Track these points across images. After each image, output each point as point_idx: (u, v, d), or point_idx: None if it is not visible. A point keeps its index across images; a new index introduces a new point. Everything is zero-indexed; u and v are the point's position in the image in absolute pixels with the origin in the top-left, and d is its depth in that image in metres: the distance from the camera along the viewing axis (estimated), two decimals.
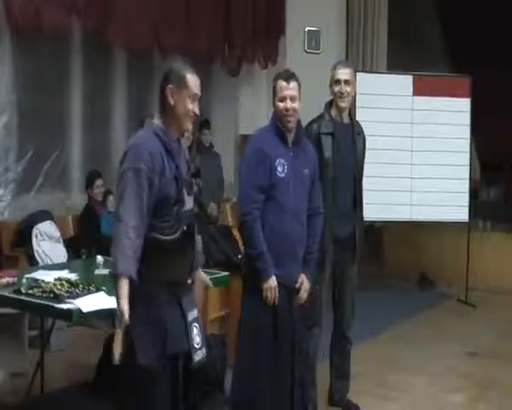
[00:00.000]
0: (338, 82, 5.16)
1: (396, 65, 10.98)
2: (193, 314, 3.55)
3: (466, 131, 9.09)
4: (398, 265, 10.28)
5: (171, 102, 3.50)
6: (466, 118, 9.08)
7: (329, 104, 5.28)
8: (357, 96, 7.67)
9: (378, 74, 9.80)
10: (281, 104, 4.40)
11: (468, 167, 9.11)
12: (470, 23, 13.22)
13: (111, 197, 7.89)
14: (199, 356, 3.56)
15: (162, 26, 8.44)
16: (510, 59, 13.10)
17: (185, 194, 3.54)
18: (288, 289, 4.41)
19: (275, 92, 4.46)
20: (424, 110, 8.96)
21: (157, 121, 3.54)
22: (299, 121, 4.49)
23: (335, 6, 10.41)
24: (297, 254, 4.45)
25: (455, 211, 9.05)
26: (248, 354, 4.39)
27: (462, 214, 9.07)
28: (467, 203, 9.09)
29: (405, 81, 9.01)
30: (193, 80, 3.55)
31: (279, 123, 4.43)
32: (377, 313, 8.22)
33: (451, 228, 9.77)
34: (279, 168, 4.34)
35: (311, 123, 5.24)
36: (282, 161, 4.36)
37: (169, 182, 3.44)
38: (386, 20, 10.97)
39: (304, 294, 4.53)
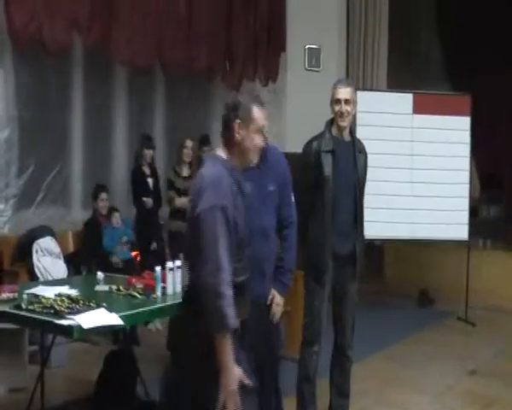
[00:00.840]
0: (338, 101, 5.16)
1: (396, 82, 11.03)
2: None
3: (466, 150, 9.10)
4: (398, 283, 10.29)
5: (239, 137, 3.44)
6: (466, 136, 9.09)
7: (330, 122, 5.28)
8: (357, 114, 7.68)
9: (378, 92, 9.83)
10: None
11: (467, 185, 9.12)
12: (470, 41, 13.30)
13: (117, 214, 7.94)
14: None
15: (163, 42, 8.47)
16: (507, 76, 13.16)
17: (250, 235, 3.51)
18: (258, 307, 4.39)
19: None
20: (424, 128, 8.97)
21: (221, 153, 3.48)
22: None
23: (336, 24, 10.46)
24: (265, 272, 4.46)
25: (455, 229, 9.05)
26: None
27: (462, 232, 9.07)
28: (466, 221, 9.08)
29: (405, 99, 9.03)
30: (259, 113, 3.50)
31: None
32: (377, 330, 8.22)
33: (451, 246, 9.78)
34: None
35: (311, 141, 5.26)
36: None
37: (242, 222, 3.39)
38: (386, 39, 11.02)
39: (276, 308, 4.59)
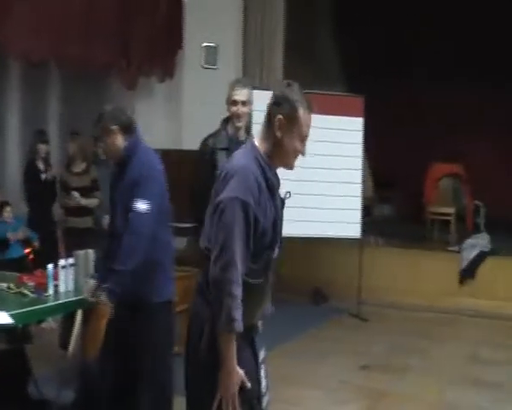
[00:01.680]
0: (235, 103, 5.22)
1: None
2: (261, 355, 3.46)
3: (359, 150, 9.27)
4: (293, 280, 10.36)
5: (279, 134, 3.19)
6: (359, 136, 9.25)
7: (226, 121, 5.33)
8: (253, 113, 7.73)
9: None
10: None
11: (360, 185, 9.29)
12: (366, 45, 13.61)
13: (8, 208, 7.76)
14: (265, 402, 3.46)
15: (59, 38, 8.31)
16: (403, 81, 13.54)
17: (278, 240, 3.32)
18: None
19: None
20: (318, 128, 9.02)
21: (259, 146, 3.25)
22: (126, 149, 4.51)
23: (233, 23, 10.50)
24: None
25: (348, 227, 9.21)
26: None
27: (355, 231, 9.24)
28: (359, 220, 9.26)
29: None
30: (305, 117, 3.23)
31: None
32: (271, 328, 8.22)
33: (345, 244, 9.95)
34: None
35: (207, 138, 5.30)
36: (113, 185, 4.59)
37: (268, 223, 3.20)
38: (282, 38, 11.11)
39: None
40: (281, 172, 3.33)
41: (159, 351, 4.50)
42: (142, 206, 4.29)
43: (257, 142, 3.26)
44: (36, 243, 7.81)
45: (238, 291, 3.04)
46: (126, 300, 4.37)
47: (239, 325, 3.04)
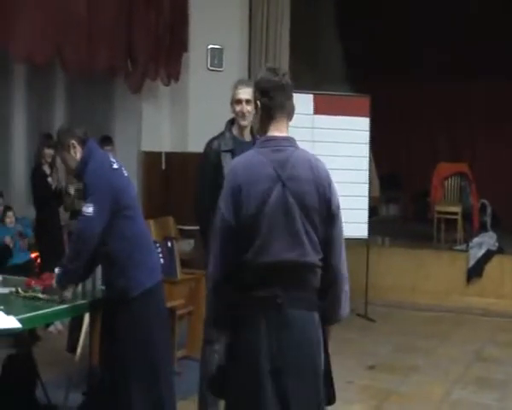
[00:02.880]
0: (239, 102, 5.21)
1: (298, 84, 11.14)
2: None
3: (365, 150, 9.27)
4: None
5: None
6: (365, 136, 9.24)
7: (231, 122, 5.33)
8: None
9: None
10: None
11: (366, 185, 9.28)
12: (371, 44, 13.61)
13: (10, 213, 7.76)
14: None
15: (64, 40, 8.31)
16: (409, 80, 13.53)
17: None
18: None
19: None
20: (325, 129, 9.08)
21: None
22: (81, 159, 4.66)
23: (238, 25, 10.51)
24: None
25: (354, 227, 9.16)
26: None
27: (362, 231, 9.22)
28: (366, 220, 9.24)
29: (306, 100, 9.09)
30: None
31: None
32: None
33: (351, 244, 9.89)
34: None
35: (212, 140, 5.30)
36: None
37: None
38: (287, 39, 11.12)
39: None
40: None
41: (142, 346, 4.58)
42: (85, 209, 4.50)
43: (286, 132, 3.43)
44: (28, 238, 7.85)
45: None
46: (110, 296, 4.65)
47: None
